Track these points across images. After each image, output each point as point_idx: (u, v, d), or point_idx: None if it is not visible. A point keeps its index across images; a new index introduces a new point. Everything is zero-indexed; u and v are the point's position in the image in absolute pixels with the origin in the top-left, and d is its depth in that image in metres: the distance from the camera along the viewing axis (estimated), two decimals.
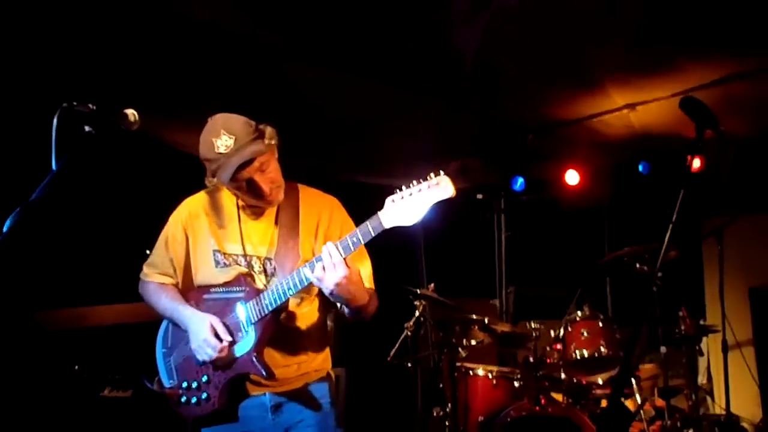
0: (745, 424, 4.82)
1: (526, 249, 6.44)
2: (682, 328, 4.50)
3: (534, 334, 4.49)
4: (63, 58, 3.94)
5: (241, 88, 4.45)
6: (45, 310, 4.71)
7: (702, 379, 5.41)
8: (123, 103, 2.04)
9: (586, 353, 4.40)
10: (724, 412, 4.70)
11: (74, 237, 4.84)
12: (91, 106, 1.87)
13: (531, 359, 4.45)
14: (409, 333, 4.64)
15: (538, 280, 6.37)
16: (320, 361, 2.69)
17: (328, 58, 4.27)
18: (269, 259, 2.59)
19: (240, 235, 2.61)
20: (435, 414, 4.58)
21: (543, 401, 4.18)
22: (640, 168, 5.95)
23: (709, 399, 5.36)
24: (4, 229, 1.69)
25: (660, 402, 4.68)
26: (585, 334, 4.45)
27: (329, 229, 2.63)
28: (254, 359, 2.48)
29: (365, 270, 2.62)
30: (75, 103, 1.86)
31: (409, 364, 4.87)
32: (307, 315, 2.63)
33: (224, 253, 2.61)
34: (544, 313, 5.28)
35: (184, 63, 4.14)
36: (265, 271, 2.59)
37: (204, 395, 2.57)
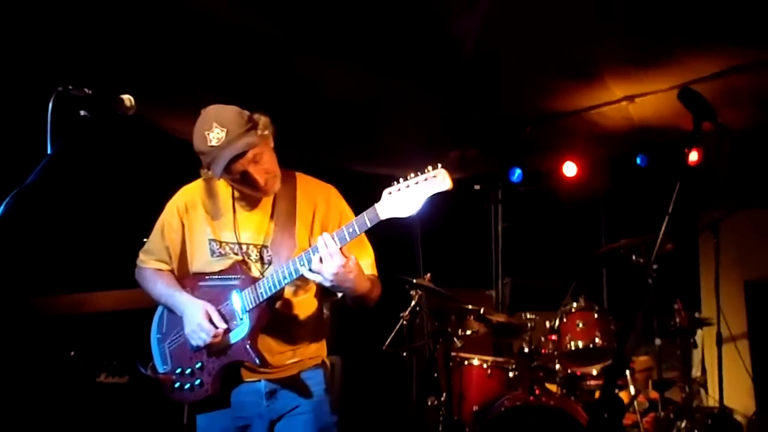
0: (738, 417, 4.86)
1: (523, 240, 6.45)
2: (677, 320, 4.52)
3: (529, 325, 4.50)
4: (60, 42, 3.92)
5: (239, 76, 4.44)
6: (43, 296, 4.71)
7: (696, 372, 5.43)
8: (120, 89, 2.04)
9: (581, 344, 4.42)
10: (717, 405, 4.72)
11: (72, 223, 4.84)
12: (86, 90, 1.86)
13: (526, 350, 4.46)
14: (404, 322, 4.65)
15: (534, 271, 6.38)
16: (315, 349, 2.69)
17: (327, 47, 4.26)
18: (265, 247, 2.59)
19: (236, 224, 2.61)
20: (430, 403, 4.60)
21: (537, 392, 4.20)
22: (638, 160, 5.95)
23: (702, 391, 5.39)
24: None
25: (654, 394, 4.71)
26: (580, 325, 4.47)
27: (326, 217, 2.64)
28: (248, 347, 2.49)
29: (367, 258, 2.62)
30: (70, 87, 1.85)
31: (405, 353, 4.88)
32: (303, 303, 2.64)
33: (220, 242, 2.61)
34: (540, 304, 5.29)
35: (181, 50, 4.12)
36: (261, 259, 2.59)
37: (197, 381, 2.58)
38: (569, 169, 6.19)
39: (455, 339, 4.51)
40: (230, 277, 2.56)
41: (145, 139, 4.83)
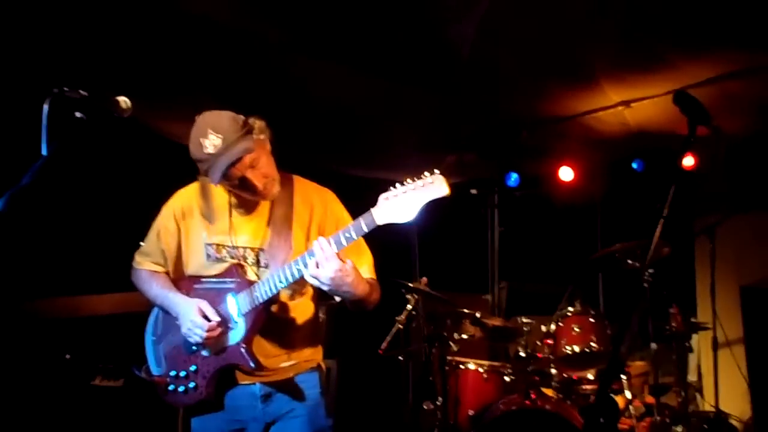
0: (734, 422, 4.85)
1: (520, 244, 6.45)
2: (673, 325, 4.51)
3: (525, 329, 4.50)
4: (56, 44, 3.92)
5: (235, 80, 4.44)
6: (38, 299, 4.69)
7: (692, 377, 5.43)
8: (116, 91, 2.04)
9: (576, 348, 4.42)
10: (713, 410, 4.73)
11: (67, 225, 4.83)
12: (82, 92, 1.86)
13: (522, 354, 4.45)
14: (401, 326, 4.64)
15: (530, 276, 6.38)
16: (311, 353, 2.69)
17: (324, 52, 4.26)
18: (262, 251, 2.59)
19: (232, 227, 2.60)
20: (425, 407, 4.58)
21: (533, 396, 4.19)
22: (634, 165, 5.95)
23: (698, 396, 5.38)
24: None
25: (650, 399, 4.70)
26: (576, 329, 4.47)
27: (323, 221, 2.63)
28: (243, 350, 2.48)
29: (365, 262, 2.63)
30: (66, 89, 1.85)
31: (401, 357, 4.88)
32: (299, 306, 2.64)
33: (216, 246, 2.61)
34: (536, 308, 5.29)
35: (178, 53, 4.12)
36: (258, 262, 2.59)
37: (192, 384, 2.58)
38: (565, 173, 6.19)
39: (451, 343, 4.50)
40: (226, 280, 2.56)
41: (140, 142, 4.83)
